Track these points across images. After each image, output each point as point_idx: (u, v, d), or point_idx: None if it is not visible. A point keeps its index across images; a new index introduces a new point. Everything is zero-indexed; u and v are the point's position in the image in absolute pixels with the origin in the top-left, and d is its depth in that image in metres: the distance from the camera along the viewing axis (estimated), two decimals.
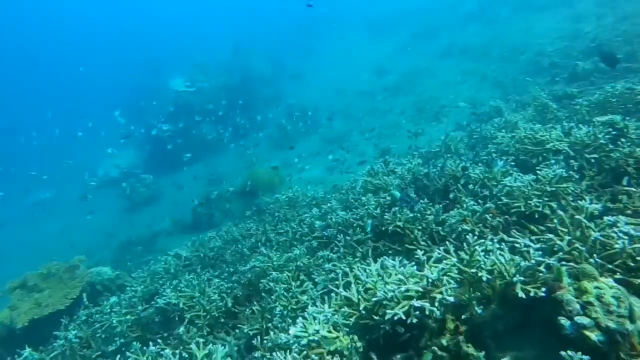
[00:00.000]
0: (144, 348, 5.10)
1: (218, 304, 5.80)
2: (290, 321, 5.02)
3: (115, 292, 8.34)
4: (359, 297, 4.15)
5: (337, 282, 5.15)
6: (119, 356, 5.05)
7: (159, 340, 5.37)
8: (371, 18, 37.32)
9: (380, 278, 4.26)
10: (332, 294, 4.56)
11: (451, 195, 6.14)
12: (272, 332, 4.90)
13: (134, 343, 5.71)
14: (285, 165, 18.12)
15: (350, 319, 4.12)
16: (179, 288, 6.31)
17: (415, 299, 3.75)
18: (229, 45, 30.54)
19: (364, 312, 4.05)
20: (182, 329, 5.50)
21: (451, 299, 3.73)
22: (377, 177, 7.60)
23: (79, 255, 9.04)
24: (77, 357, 6.37)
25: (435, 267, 4.20)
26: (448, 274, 4.10)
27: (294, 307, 5.13)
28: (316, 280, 5.45)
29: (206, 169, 19.66)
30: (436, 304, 3.72)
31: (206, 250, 8.28)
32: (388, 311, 3.74)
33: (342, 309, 4.27)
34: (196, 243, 9.03)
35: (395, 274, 4.35)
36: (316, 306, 4.46)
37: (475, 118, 12.72)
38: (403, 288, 3.81)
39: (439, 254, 4.36)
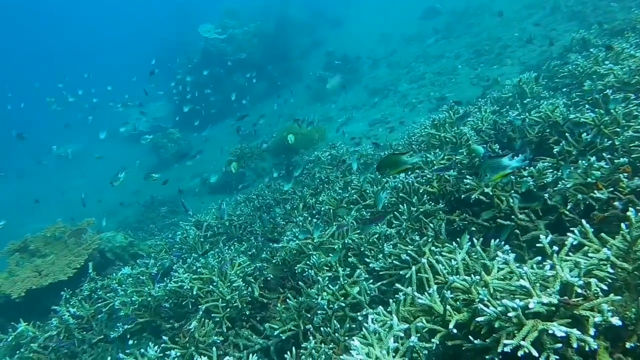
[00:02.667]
0: (141, 350, 3.90)
1: (242, 292, 4.43)
2: (336, 324, 3.61)
3: (129, 261, 7.21)
4: (446, 307, 2.64)
5: (403, 272, 3.67)
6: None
7: (163, 337, 4.10)
8: None
9: (476, 277, 2.73)
10: (400, 294, 3.08)
11: (555, 150, 4.42)
12: (312, 339, 3.53)
13: (130, 342, 4.58)
14: (325, 119, 16.47)
15: (433, 340, 2.64)
16: (193, 268, 5.00)
17: (555, 323, 2.20)
18: None
19: (455, 330, 2.55)
20: (194, 323, 4.20)
21: (617, 320, 2.16)
22: (443, 128, 5.93)
23: (91, 217, 7.90)
24: (74, 340, 5.28)
25: (567, 261, 2.63)
26: (594, 272, 2.53)
27: (342, 303, 3.68)
28: (371, 265, 3.97)
29: (238, 123, 18.29)
30: (591, 331, 2.17)
31: (232, 219, 6.93)
32: (505, 341, 2.23)
33: (417, 321, 2.80)
34: (222, 208, 7.70)
35: (499, 270, 2.82)
36: (378, 314, 2.99)
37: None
38: (532, 304, 2.24)
39: (574, 238, 2.75)
